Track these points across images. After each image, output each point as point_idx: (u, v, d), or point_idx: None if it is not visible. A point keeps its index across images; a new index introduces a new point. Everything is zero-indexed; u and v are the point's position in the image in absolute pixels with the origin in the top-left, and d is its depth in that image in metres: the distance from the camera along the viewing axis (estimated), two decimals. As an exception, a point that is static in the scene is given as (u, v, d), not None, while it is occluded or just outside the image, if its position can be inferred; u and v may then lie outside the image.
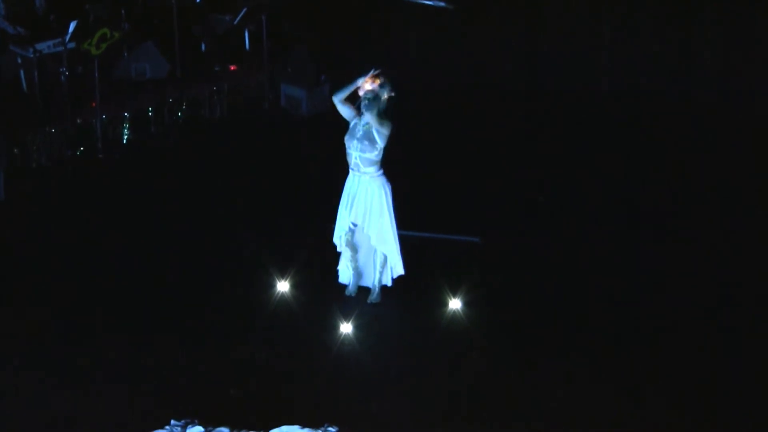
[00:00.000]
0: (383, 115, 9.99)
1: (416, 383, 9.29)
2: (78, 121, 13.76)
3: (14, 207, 12.52)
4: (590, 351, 9.74)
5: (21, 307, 10.36)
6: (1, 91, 13.92)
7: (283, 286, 10.57)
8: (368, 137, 9.98)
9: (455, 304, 10.38)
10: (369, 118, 9.94)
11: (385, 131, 9.96)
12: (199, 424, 8.42)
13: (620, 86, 15.62)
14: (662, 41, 15.84)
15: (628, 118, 14.79)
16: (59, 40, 13.74)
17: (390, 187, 10.19)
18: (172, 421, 8.46)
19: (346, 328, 10.02)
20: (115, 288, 10.71)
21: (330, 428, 8.47)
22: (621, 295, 10.69)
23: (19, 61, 14.02)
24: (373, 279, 10.52)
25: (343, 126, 14.48)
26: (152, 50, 14.84)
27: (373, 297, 10.50)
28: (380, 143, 9.98)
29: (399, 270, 10.44)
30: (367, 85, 9.97)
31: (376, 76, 9.94)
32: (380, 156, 10.05)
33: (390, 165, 11.69)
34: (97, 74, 13.75)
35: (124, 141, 14.19)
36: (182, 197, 12.79)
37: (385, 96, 9.97)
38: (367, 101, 9.93)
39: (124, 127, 14.15)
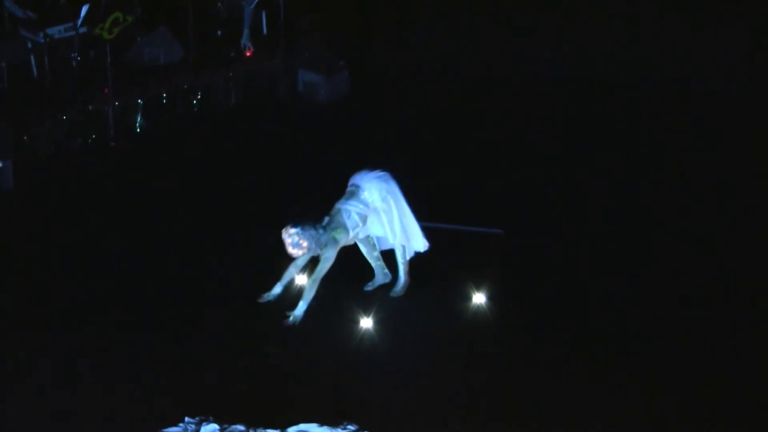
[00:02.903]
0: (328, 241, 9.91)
1: (438, 381, 9.28)
2: (89, 108, 13.75)
3: (23, 197, 12.51)
4: (615, 351, 9.73)
5: (28, 302, 10.35)
6: (10, 78, 13.91)
7: (301, 280, 10.53)
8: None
9: (479, 298, 10.36)
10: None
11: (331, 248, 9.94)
12: (214, 422, 8.40)
13: (636, 79, 15.58)
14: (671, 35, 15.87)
15: (645, 113, 14.74)
16: (70, 24, 13.73)
17: (391, 187, 10.10)
18: (186, 419, 8.46)
19: (366, 323, 10.01)
20: (129, 282, 10.71)
21: (349, 426, 8.46)
22: (648, 293, 10.67)
23: (30, 46, 14.01)
24: (398, 272, 10.53)
25: (362, 113, 14.55)
26: (166, 35, 14.81)
27: (397, 290, 10.49)
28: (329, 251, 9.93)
29: (421, 245, 10.38)
30: (289, 248, 9.83)
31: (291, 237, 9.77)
32: (354, 233, 10.03)
33: (411, 158, 11.79)
34: (109, 60, 13.75)
35: (137, 129, 14.17)
36: (196, 187, 12.79)
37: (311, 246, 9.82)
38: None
39: (137, 115, 14.12)
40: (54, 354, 9.51)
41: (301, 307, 9.98)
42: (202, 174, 13.07)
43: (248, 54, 15.15)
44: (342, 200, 10.02)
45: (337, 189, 10.37)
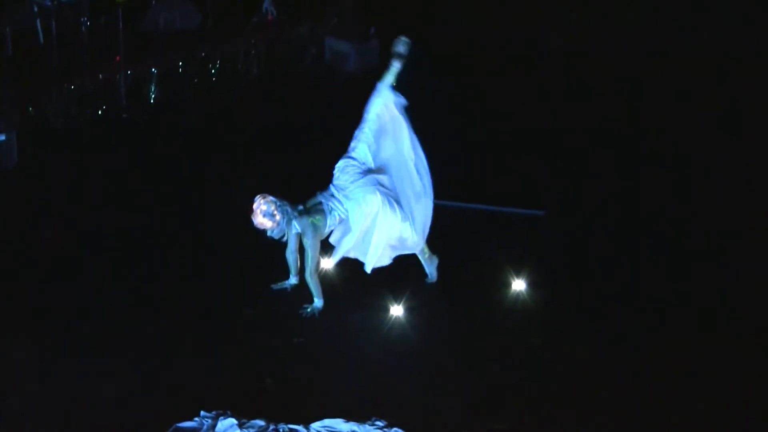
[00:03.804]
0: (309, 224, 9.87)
1: (473, 374, 9.16)
2: (100, 77, 13.76)
3: (28, 173, 12.53)
4: (668, 343, 9.56)
5: (34, 290, 10.32)
6: (15, 44, 13.94)
7: (326, 263, 10.41)
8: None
9: (519, 285, 10.29)
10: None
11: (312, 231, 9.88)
12: (232, 416, 8.38)
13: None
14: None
15: (699, 90, 14.73)
16: (80, -14, 13.79)
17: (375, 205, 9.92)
18: (202, 413, 8.42)
19: (396, 310, 9.93)
20: (142, 267, 10.69)
21: (378, 422, 8.38)
22: (701, 279, 10.55)
23: (36, 9, 14.04)
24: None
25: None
26: (183, -1, 14.84)
27: (429, 278, 10.43)
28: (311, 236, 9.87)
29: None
30: (259, 219, 9.75)
31: (266, 205, 9.72)
32: (328, 230, 9.96)
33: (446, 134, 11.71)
34: (121, 25, 13.76)
35: (151, 100, 14.18)
36: (213, 163, 12.81)
37: (284, 220, 9.77)
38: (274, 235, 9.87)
39: (151, 85, 14.13)
40: (62, 345, 9.45)
41: (318, 302, 9.99)
42: (219, 149, 13.05)
43: (271, 20, 15.14)
44: (326, 195, 9.98)
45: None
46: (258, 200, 9.70)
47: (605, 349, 9.50)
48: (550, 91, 14.66)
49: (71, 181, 12.40)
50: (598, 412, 8.67)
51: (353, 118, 13.41)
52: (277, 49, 15.23)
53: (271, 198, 9.70)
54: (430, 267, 10.39)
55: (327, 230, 9.95)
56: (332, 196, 9.96)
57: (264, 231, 9.79)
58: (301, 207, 9.87)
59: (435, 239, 10.36)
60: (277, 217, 9.71)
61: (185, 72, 14.43)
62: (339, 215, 9.91)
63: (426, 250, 10.30)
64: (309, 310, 9.99)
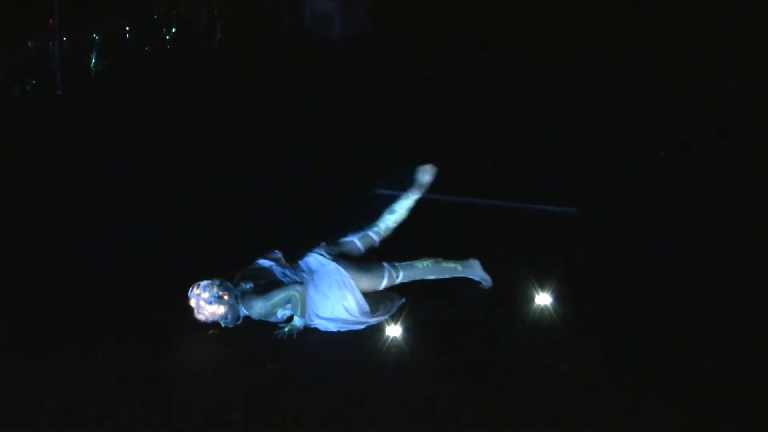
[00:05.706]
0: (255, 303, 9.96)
1: (488, 405, 8.79)
2: (29, 45, 13.36)
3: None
4: (718, 369, 9.17)
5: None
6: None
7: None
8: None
9: (543, 299, 10.05)
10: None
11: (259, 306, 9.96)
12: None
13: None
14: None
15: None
16: (3, -65, 13.75)
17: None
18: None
19: (393, 330, 9.65)
20: (88, 275, 10.45)
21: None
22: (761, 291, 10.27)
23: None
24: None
25: (386, 52, 14.19)
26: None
27: (483, 284, 10.38)
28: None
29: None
30: (208, 311, 9.77)
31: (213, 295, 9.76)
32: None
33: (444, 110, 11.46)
34: (57, -17, 13.72)
35: (92, 73, 13.84)
36: (168, 148, 12.82)
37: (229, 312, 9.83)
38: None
39: (92, 55, 13.77)
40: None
41: (298, 321, 9.90)
42: (176, 132, 13.22)
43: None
44: (289, 272, 10.11)
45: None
46: (193, 293, 9.73)
47: (650, 375, 9.21)
48: (575, 64, 14.61)
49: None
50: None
51: (337, 94, 13.12)
52: (247, 10, 14.95)
53: (204, 282, 9.75)
54: (476, 273, 10.39)
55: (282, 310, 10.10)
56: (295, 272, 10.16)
57: (217, 323, 9.84)
58: (249, 285, 9.93)
59: (448, 242, 10.40)
60: (226, 297, 9.79)
61: (134, 39, 14.10)
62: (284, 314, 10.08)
63: (452, 263, 10.31)
64: (287, 330, 9.83)
